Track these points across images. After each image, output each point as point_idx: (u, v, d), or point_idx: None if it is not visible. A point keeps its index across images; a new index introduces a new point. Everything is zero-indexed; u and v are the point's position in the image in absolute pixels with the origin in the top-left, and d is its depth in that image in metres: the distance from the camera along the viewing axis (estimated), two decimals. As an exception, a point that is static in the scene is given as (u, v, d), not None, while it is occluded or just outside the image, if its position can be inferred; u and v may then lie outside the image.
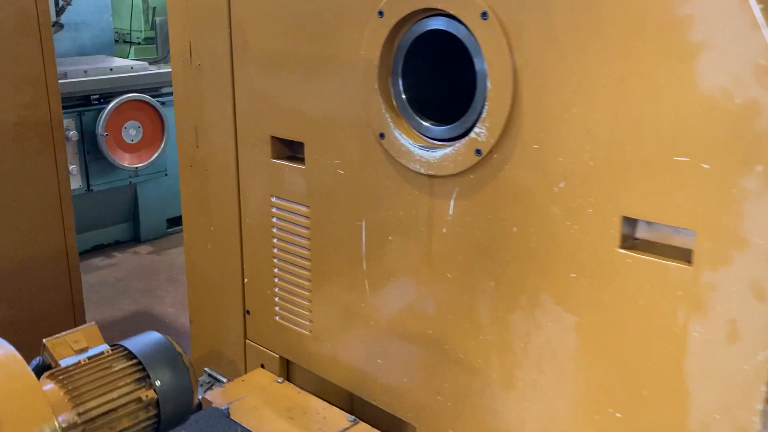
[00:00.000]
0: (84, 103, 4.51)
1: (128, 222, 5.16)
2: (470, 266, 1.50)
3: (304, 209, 1.84)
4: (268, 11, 1.78)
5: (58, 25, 4.72)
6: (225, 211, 2.05)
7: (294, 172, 1.83)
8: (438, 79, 1.60)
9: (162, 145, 4.87)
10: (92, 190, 4.66)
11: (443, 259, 1.55)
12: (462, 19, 1.39)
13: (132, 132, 4.71)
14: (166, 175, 5.07)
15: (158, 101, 4.76)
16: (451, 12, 1.40)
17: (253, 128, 1.90)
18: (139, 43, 5.56)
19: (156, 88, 4.83)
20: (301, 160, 1.82)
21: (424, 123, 1.53)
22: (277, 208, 1.91)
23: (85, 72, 4.50)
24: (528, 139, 1.35)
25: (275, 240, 1.94)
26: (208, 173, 2.07)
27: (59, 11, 4.59)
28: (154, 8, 5.44)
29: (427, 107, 1.55)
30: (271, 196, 1.91)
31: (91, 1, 5.34)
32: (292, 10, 1.72)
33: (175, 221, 5.25)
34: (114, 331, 3.89)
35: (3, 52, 2.59)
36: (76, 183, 4.43)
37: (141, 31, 5.52)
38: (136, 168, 4.79)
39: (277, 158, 1.88)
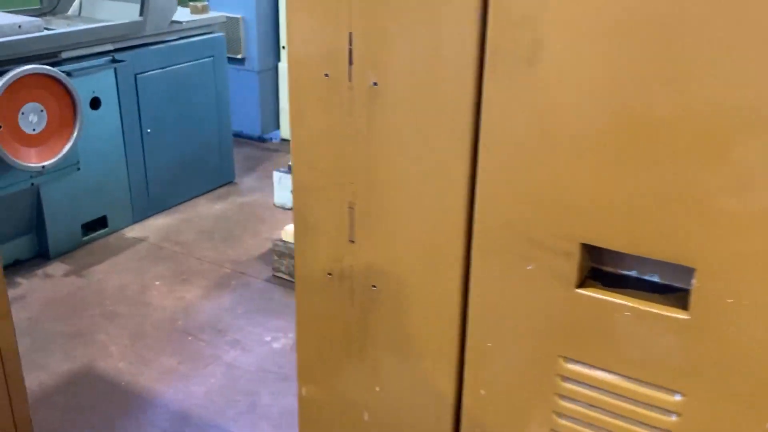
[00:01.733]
0: (-42, 81, 3.11)
1: (30, 234, 3.83)
2: None
3: (670, 398, 0.86)
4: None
5: None
6: (419, 365, 1.02)
7: (657, 324, 0.83)
8: None
9: (75, 133, 3.55)
10: (-21, 200, 3.32)
11: None
12: None
13: (33, 118, 3.36)
14: (78, 169, 3.77)
15: (61, 71, 3.40)
16: None
17: (524, 222, 0.87)
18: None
19: (54, 53, 3.47)
20: (672, 298, 0.83)
21: None
22: (579, 383, 0.91)
23: (-45, 36, 3.09)
24: None
25: (564, 441, 0.94)
26: (379, 293, 1.02)
27: None
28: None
29: None
30: (563, 358, 0.91)
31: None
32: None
33: (92, 226, 3.95)
34: (51, 410, 2.67)
35: None
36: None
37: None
38: (43, 166, 3.46)
39: (592, 289, 0.87)
